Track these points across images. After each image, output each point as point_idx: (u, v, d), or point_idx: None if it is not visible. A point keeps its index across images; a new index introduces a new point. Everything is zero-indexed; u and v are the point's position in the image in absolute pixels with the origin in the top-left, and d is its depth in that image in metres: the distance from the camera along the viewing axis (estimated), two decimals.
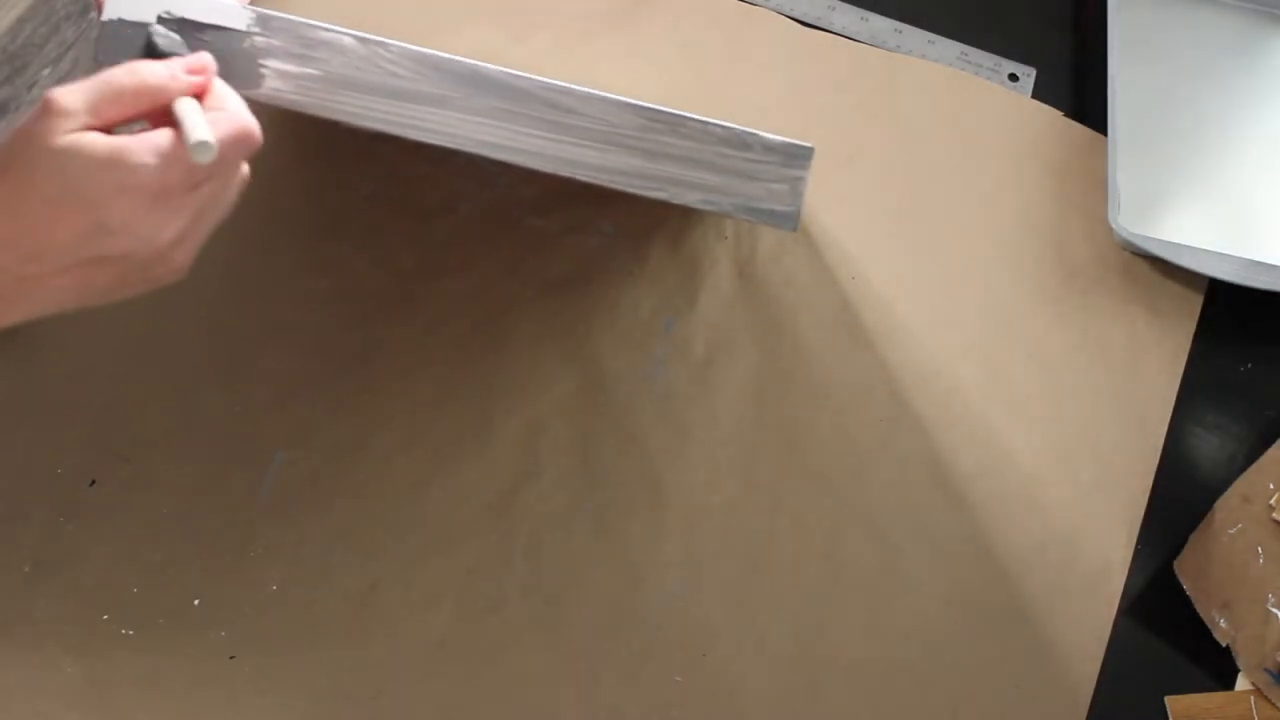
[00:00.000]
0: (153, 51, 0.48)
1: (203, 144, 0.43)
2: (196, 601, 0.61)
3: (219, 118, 0.45)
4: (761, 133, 0.51)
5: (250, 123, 0.46)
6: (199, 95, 0.46)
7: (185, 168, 0.44)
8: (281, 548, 0.62)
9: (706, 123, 0.51)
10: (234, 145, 0.45)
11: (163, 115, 0.45)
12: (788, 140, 0.51)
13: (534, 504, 0.64)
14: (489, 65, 0.50)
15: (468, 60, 0.50)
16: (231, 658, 0.60)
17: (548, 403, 0.66)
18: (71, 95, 0.42)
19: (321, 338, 0.67)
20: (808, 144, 0.51)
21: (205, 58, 0.47)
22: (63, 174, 0.42)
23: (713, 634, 0.62)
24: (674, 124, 0.51)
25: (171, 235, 0.44)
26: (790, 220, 0.52)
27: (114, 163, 0.42)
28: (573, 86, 0.51)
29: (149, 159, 0.43)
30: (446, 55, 0.50)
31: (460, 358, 0.67)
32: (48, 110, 0.42)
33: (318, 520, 0.63)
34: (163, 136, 0.44)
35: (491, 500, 0.64)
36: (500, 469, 0.65)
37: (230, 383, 0.66)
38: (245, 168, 0.47)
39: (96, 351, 0.65)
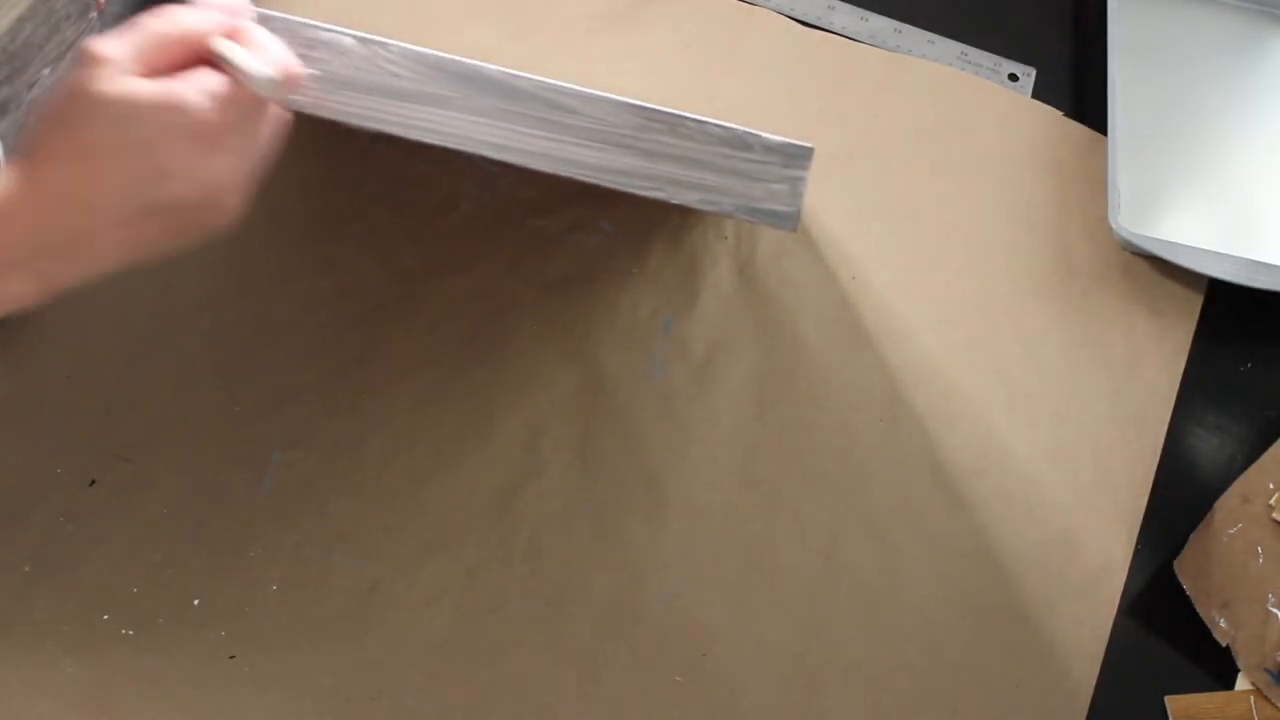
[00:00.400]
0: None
1: (267, 79, 0.43)
2: (196, 601, 0.61)
3: (263, 56, 0.45)
4: (761, 133, 0.51)
5: (292, 61, 0.46)
6: (232, 37, 0.45)
7: (235, 107, 0.43)
8: (281, 548, 0.62)
9: (705, 122, 0.51)
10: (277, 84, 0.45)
11: (198, 59, 0.44)
12: (788, 140, 0.51)
13: (534, 504, 0.64)
14: (489, 65, 0.50)
15: (468, 60, 0.50)
16: (231, 658, 0.60)
17: (548, 402, 0.66)
18: (114, 44, 0.42)
19: (321, 338, 0.67)
20: (808, 144, 0.51)
21: (239, 2, 0.46)
22: (115, 121, 0.41)
23: (713, 634, 0.62)
24: (673, 124, 0.51)
25: (223, 177, 0.44)
26: (790, 221, 0.51)
27: (166, 106, 0.41)
28: (572, 86, 0.51)
29: (200, 99, 0.42)
30: (446, 55, 0.50)
31: (460, 358, 0.67)
32: (90, 60, 0.42)
33: (317, 520, 0.63)
34: (210, 77, 0.43)
35: (491, 500, 0.64)
36: (500, 468, 0.65)
37: (230, 383, 0.66)
38: (285, 112, 0.48)
39: (96, 352, 0.65)
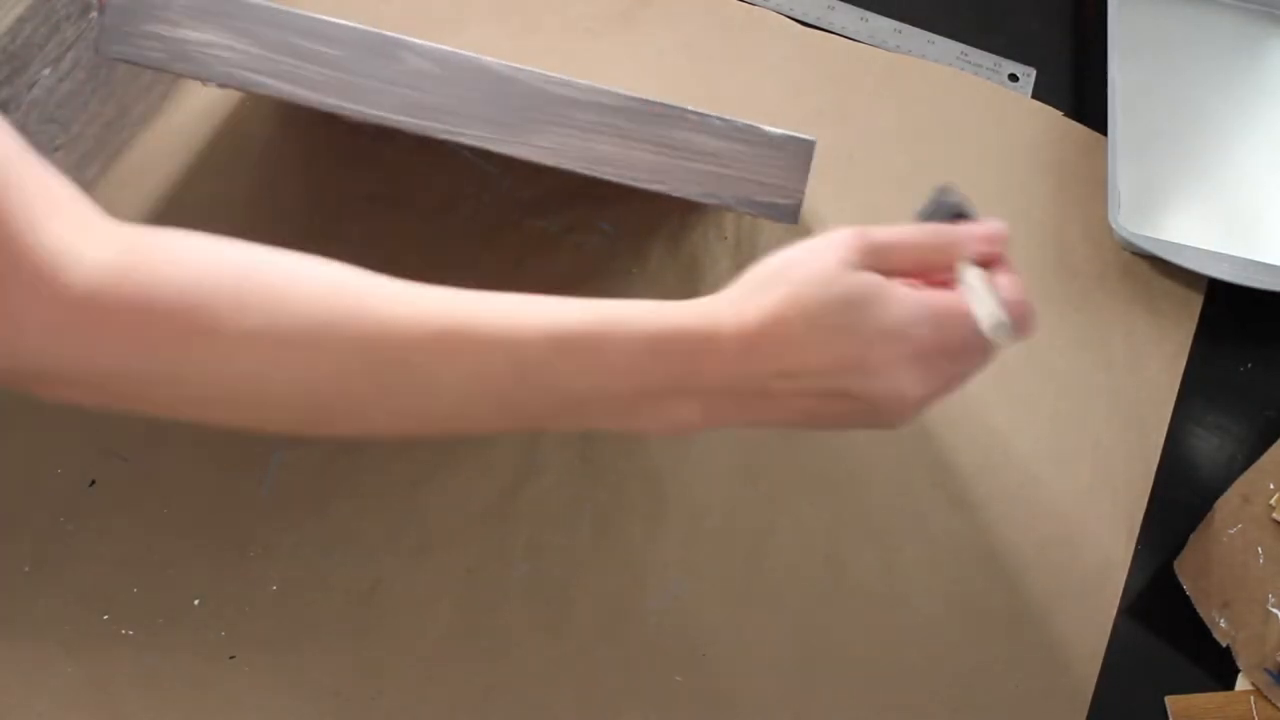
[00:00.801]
0: (943, 211, 0.47)
1: (1001, 325, 0.42)
2: (196, 601, 0.61)
3: (996, 300, 0.43)
4: (763, 125, 0.51)
5: (1028, 302, 0.44)
6: (986, 264, 0.45)
7: (959, 335, 0.43)
8: (281, 548, 0.62)
9: (707, 116, 0.51)
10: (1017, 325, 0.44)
11: (932, 274, 0.45)
12: (789, 133, 0.51)
13: (534, 504, 0.64)
14: (488, 58, 0.50)
15: (467, 54, 0.50)
16: (231, 658, 0.60)
17: None
18: (881, 236, 0.43)
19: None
20: (809, 137, 0.51)
21: (1000, 229, 0.45)
22: (850, 307, 0.41)
23: (713, 634, 0.62)
24: (675, 117, 0.51)
25: (919, 393, 0.43)
26: (790, 214, 0.51)
27: (902, 313, 0.41)
28: (574, 79, 0.51)
29: (929, 318, 0.42)
30: (447, 49, 0.50)
31: None
32: (852, 247, 0.42)
33: (317, 520, 0.63)
34: (945, 300, 0.43)
35: (491, 500, 0.64)
36: (500, 469, 0.65)
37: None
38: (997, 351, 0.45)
39: None
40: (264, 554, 0.62)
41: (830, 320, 0.41)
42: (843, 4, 0.80)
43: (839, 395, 0.43)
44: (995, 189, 0.74)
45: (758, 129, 0.51)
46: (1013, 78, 0.79)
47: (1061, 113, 0.77)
